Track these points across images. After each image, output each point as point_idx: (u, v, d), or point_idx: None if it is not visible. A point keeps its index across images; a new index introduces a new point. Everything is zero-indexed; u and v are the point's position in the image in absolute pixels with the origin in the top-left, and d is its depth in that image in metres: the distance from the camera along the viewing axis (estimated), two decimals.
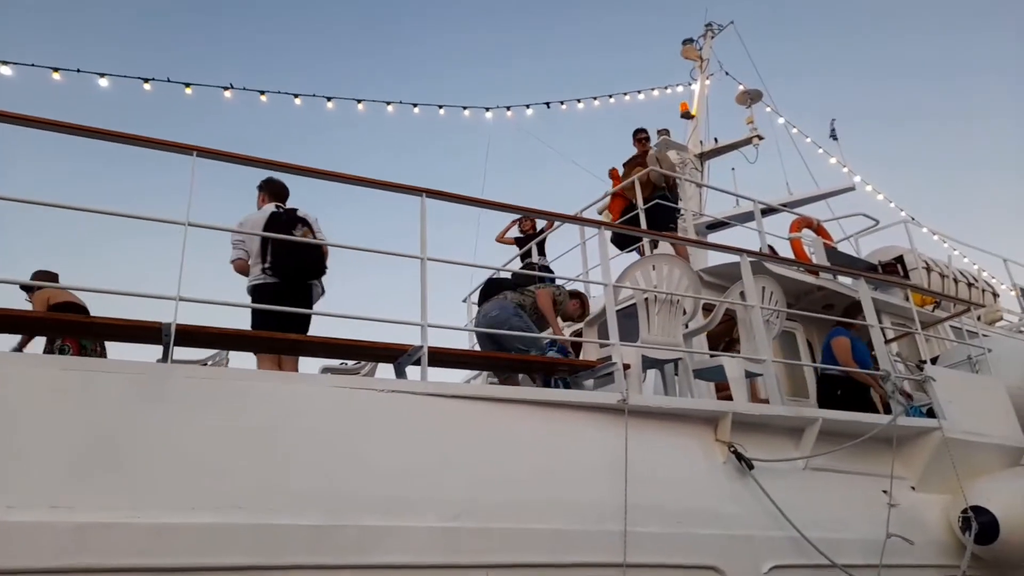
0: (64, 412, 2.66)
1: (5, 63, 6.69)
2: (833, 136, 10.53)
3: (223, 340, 3.51)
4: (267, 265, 4.18)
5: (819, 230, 7.78)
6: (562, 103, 9.94)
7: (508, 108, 9.62)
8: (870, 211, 8.93)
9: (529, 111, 9.82)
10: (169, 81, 7.43)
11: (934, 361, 6.38)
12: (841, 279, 7.01)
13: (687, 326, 4.77)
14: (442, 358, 3.82)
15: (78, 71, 7.15)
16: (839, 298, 6.91)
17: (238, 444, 2.87)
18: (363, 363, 5.19)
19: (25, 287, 4.93)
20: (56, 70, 6.90)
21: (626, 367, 4.07)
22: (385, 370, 5.04)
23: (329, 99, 8.52)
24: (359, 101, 8.68)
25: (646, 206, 6.52)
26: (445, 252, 3.90)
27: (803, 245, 7.41)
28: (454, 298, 7.52)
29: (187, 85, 7.59)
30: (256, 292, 4.24)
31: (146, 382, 2.84)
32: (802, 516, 3.95)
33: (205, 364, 5.58)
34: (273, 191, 4.59)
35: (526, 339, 4.54)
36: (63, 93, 7.08)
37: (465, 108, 9.30)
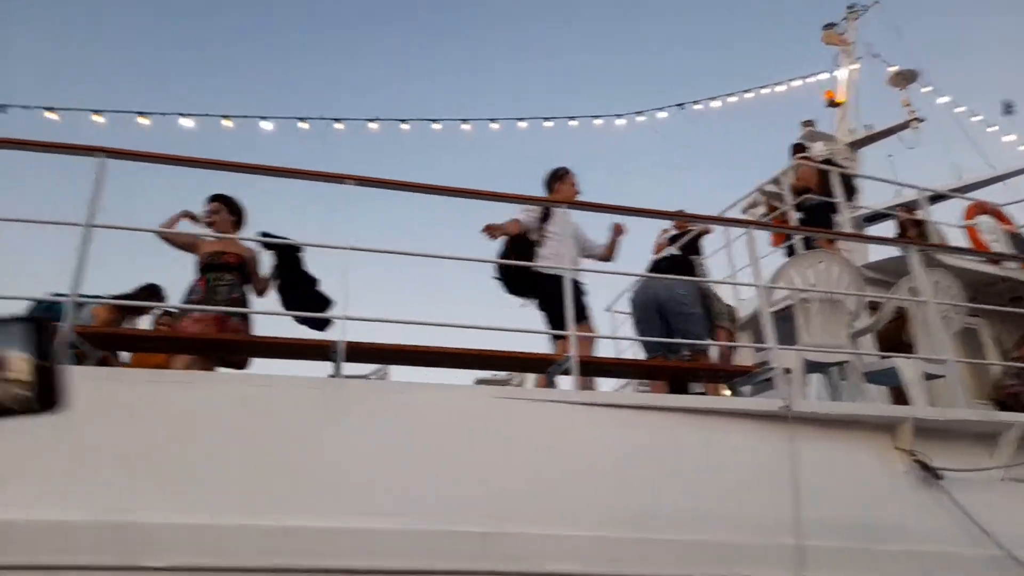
0: (250, 424, 2.91)
1: (184, 115, 7.54)
2: (1008, 111, 9.50)
3: (385, 355, 3.71)
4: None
5: (998, 215, 7.03)
6: (696, 103, 9.69)
7: (640, 113, 9.51)
8: None
9: (662, 114, 9.65)
10: (322, 119, 8.07)
11: None
12: None
13: (852, 326, 4.45)
14: (592, 367, 3.81)
15: (244, 117, 7.93)
16: None
17: (404, 453, 3.00)
18: (513, 373, 5.28)
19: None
20: (227, 117, 7.72)
21: (786, 371, 3.86)
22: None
23: (464, 121, 8.86)
24: (492, 120, 8.94)
25: (796, 202, 6.22)
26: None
27: (980, 233, 6.72)
28: (598, 307, 7.47)
29: (337, 120, 8.21)
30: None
31: (321, 395, 3.06)
32: (1005, 532, 3.54)
33: (368, 378, 5.91)
34: None
35: (698, 329, 4.49)
36: (233, 136, 7.87)
37: (597, 118, 9.30)
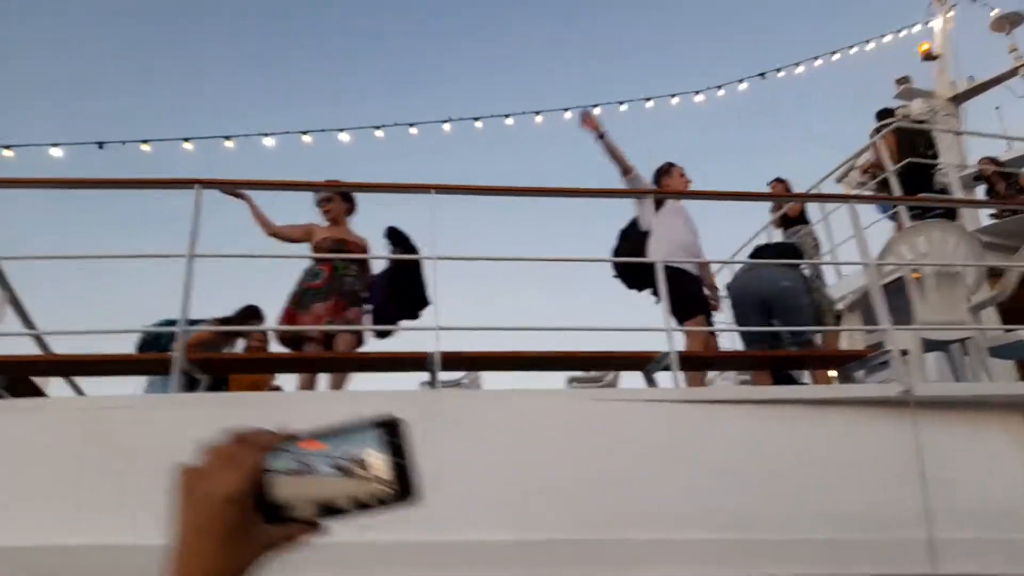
0: None
1: (266, 135, 7.83)
2: None
3: (479, 362, 3.72)
4: None
5: None
6: (778, 70, 9.21)
7: (719, 87, 9.13)
8: None
9: (743, 86, 9.23)
10: (396, 125, 8.20)
11: None
12: None
13: (971, 300, 4.13)
14: (691, 362, 3.69)
15: (321, 131, 8.18)
16: None
17: (508, 461, 2.99)
18: (605, 372, 5.20)
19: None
20: (307, 133, 8.00)
21: (903, 353, 3.62)
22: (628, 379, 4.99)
23: (538, 113, 8.79)
24: (566, 110, 8.82)
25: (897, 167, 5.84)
26: None
27: None
28: None
29: (411, 125, 8.33)
30: None
31: (424, 408, 3.08)
32: None
33: (459, 384, 5.96)
34: None
35: (807, 322, 4.22)
36: (313, 150, 8.13)
37: (673, 96, 9.00)
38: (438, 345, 3.35)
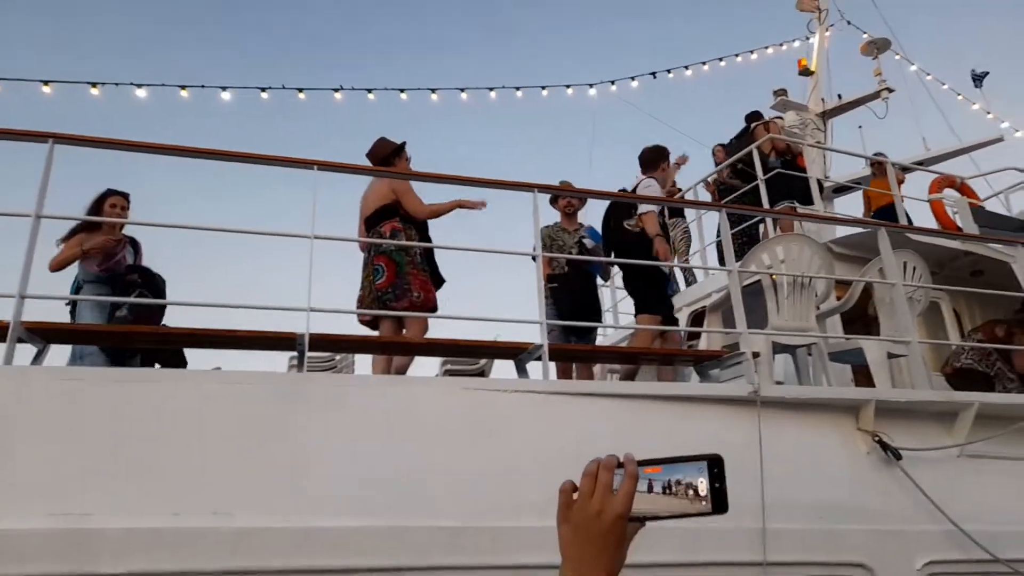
0: (218, 421, 2.84)
1: (139, 85, 7.24)
2: (977, 82, 9.54)
3: (351, 346, 3.64)
4: None
5: (963, 189, 7.10)
6: (669, 71, 9.54)
7: (612, 83, 9.34)
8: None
9: (634, 83, 9.49)
10: (284, 88, 7.80)
11: None
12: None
13: (819, 307, 4.49)
14: (563, 354, 3.79)
15: (202, 87, 7.64)
16: (989, 264, 6.29)
17: (372, 450, 2.97)
18: (477, 360, 5.26)
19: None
20: (184, 87, 7.42)
21: (755, 355, 3.89)
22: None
23: (433, 91, 8.64)
24: (462, 90, 8.73)
25: (766, 176, 6.21)
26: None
27: (946, 207, 6.80)
28: None
29: (300, 90, 7.94)
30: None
31: (286, 392, 2.99)
32: (958, 508, 3.65)
33: (333, 360, 5.84)
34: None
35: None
36: (190, 108, 7.58)
37: (568, 87, 9.13)
38: (308, 327, 3.27)
